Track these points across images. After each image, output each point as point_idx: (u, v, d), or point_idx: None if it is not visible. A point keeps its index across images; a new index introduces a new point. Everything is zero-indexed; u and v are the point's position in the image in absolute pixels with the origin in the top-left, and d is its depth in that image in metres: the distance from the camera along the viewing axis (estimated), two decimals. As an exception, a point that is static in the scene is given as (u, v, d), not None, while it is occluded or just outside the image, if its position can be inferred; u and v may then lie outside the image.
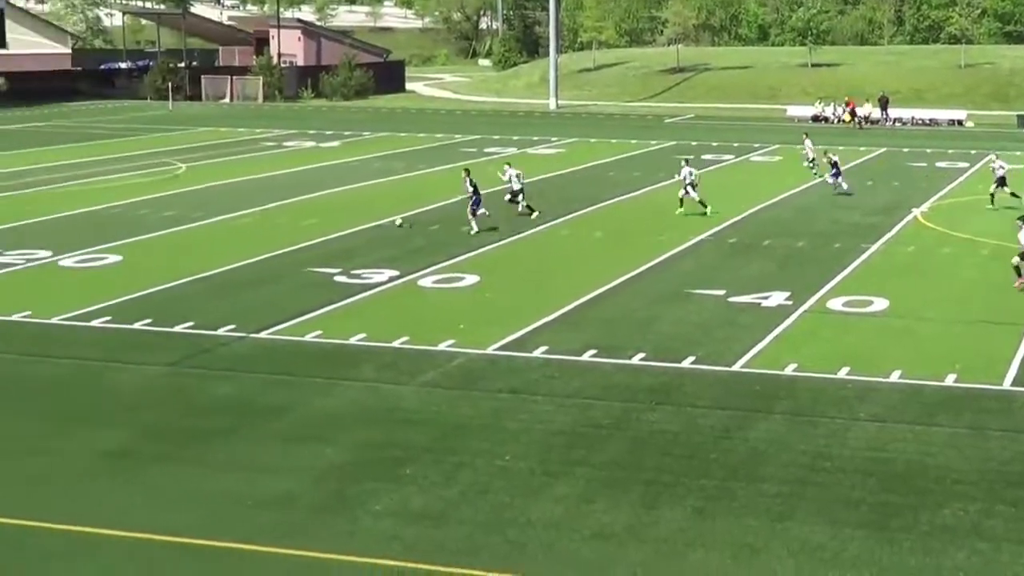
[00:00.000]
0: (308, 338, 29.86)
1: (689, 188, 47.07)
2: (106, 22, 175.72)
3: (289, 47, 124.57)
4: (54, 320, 31.62)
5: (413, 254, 39.74)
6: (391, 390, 25.91)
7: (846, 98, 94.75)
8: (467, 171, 45.14)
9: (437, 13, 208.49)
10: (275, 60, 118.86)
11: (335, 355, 28.54)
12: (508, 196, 47.06)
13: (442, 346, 29.05)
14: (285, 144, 75.66)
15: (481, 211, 43.76)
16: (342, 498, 20.18)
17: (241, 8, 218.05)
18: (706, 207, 46.93)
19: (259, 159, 67.57)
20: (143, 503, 20.02)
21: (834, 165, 52.96)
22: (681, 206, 47.37)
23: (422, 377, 26.78)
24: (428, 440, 22.90)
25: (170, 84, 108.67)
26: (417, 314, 32.50)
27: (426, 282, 36.03)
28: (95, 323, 31.32)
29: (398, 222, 44.82)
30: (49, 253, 39.91)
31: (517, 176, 46.91)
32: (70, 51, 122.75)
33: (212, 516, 19.49)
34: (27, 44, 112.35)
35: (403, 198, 50.46)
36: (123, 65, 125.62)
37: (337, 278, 36.24)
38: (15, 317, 31.87)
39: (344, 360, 28.10)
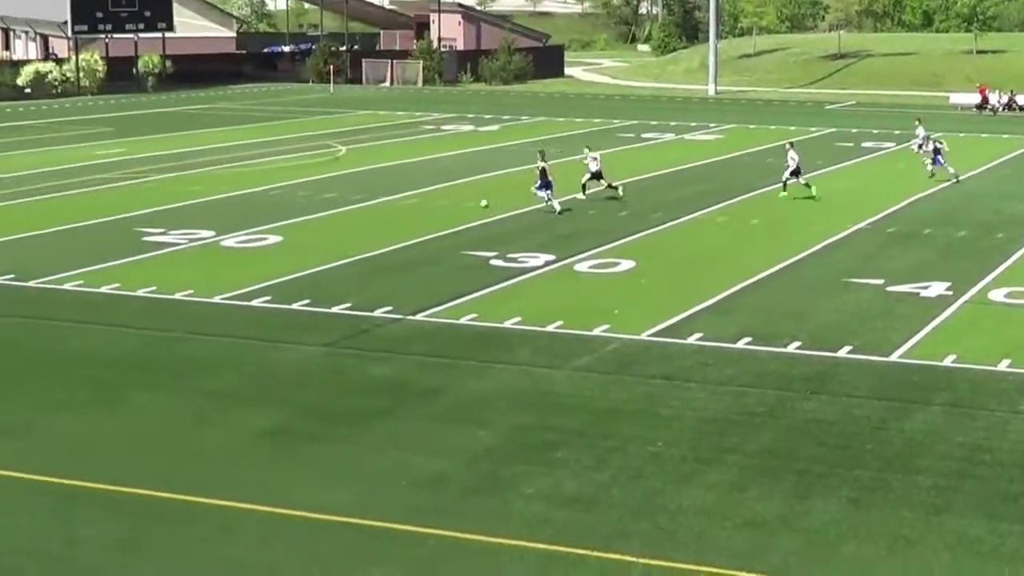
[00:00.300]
0: (463, 321, 30.06)
1: (788, 174, 47.42)
2: (270, 6, 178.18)
3: (449, 31, 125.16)
4: (215, 299, 32.19)
5: (569, 239, 39.79)
6: (545, 374, 26.00)
7: (977, 84, 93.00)
8: (542, 153, 45.44)
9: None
10: (435, 44, 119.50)
11: (490, 338, 28.70)
12: (587, 176, 46.96)
13: (596, 331, 29.07)
14: (444, 128, 76.10)
15: (543, 194, 43.96)
16: (494, 480, 20.31)
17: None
18: (784, 188, 47.60)
19: (418, 142, 68.06)
20: (300, 481, 20.33)
21: (936, 151, 52.32)
22: (784, 190, 47.60)
23: (576, 362, 26.83)
24: (581, 424, 22.95)
25: (332, 67, 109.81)
26: (572, 299, 32.55)
27: (582, 267, 36.06)
28: (255, 303, 31.82)
29: (484, 203, 44.96)
30: (212, 233, 40.61)
31: (595, 159, 47.09)
32: (235, 34, 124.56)
33: (367, 495, 19.73)
34: (193, 28, 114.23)
35: (560, 183, 50.46)
36: (286, 48, 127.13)
37: (493, 261, 36.42)
38: (178, 296, 32.49)
39: (499, 343, 28.25)
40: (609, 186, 47.23)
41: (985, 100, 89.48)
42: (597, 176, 46.98)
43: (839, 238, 40.17)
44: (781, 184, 47.84)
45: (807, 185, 47.48)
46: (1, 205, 46.29)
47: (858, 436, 22.33)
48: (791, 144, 49.23)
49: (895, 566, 17.38)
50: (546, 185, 43.88)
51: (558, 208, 43.84)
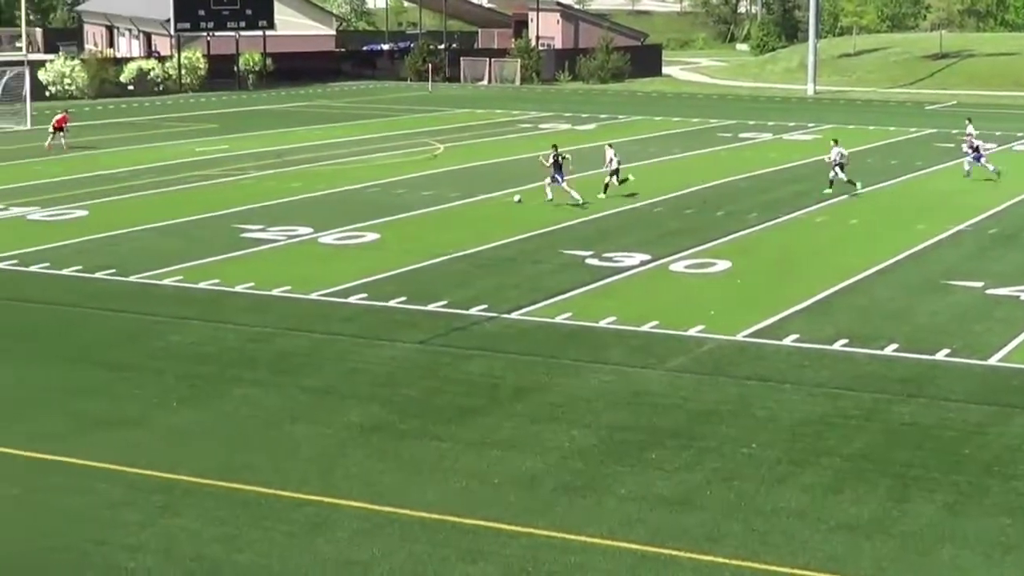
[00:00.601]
0: (558, 319, 30.10)
1: (837, 169, 48.22)
2: (370, 4, 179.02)
3: (547, 30, 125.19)
4: (312, 296, 32.45)
5: (665, 238, 39.72)
6: (639, 374, 25.98)
7: None
8: (555, 147, 46.52)
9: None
10: (533, 43, 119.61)
11: (584, 337, 28.72)
12: (608, 175, 47.48)
13: (691, 331, 29.00)
14: (541, 126, 76.14)
15: (564, 187, 45.16)
16: (588, 480, 20.33)
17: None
18: (855, 185, 48.59)
19: (515, 140, 68.17)
20: (395, 478, 20.46)
21: (975, 149, 52.63)
22: (830, 186, 48.30)
23: (671, 362, 26.79)
24: (675, 425, 22.93)
25: (430, 66, 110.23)
26: (667, 298, 32.51)
27: (677, 266, 35.99)
28: (352, 300, 32.04)
29: (517, 198, 46.21)
30: (310, 230, 40.94)
31: (615, 157, 47.59)
32: (334, 33, 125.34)
33: (461, 493, 19.82)
34: (294, 26, 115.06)
35: (658, 182, 50.48)
36: (385, 47, 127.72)
37: (589, 260, 36.43)
38: (275, 292, 32.79)
39: (593, 342, 28.27)
40: (620, 182, 47.58)
41: None
42: (615, 173, 47.53)
43: (939, 239, 39.80)
44: (853, 187, 48.50)
45: (850, 182, 48.45)
46: (104, 201, 46.94)
47: (956, 440, 22.13)
48: (835, 141, 50.29)
49: (992, 573, 17.21)
50: (561, 174, 45.33)
51: (550, 196, 45.50)
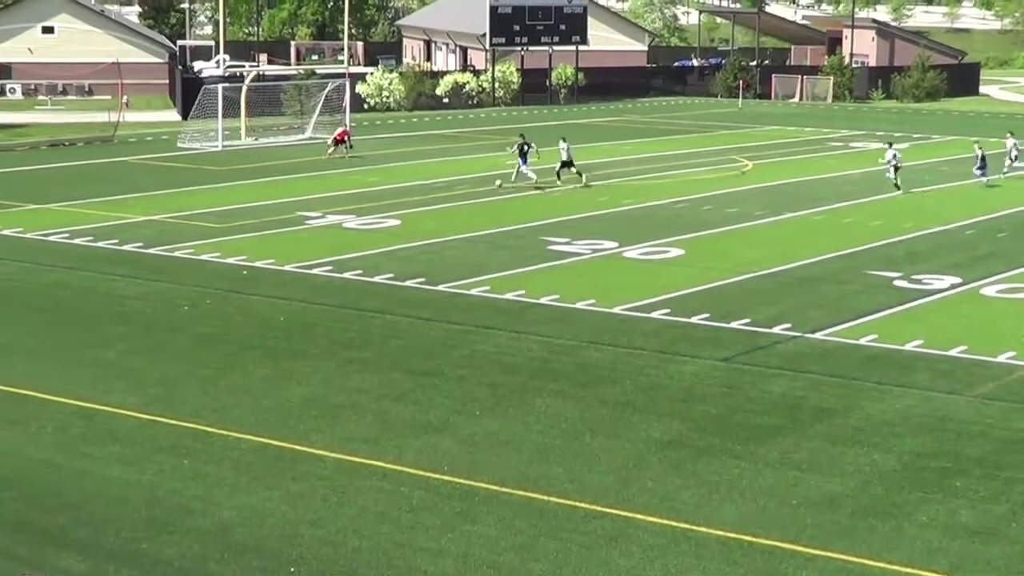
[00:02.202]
0: (863, 341, 29.68)
1: (892, 170, 52.85)
2: (682, 20, 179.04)
3: (862, 47, 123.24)
4: (615, 310, 32.66)
5: (978, 261, 38.80)
6: (945, 399, 25.45)
7: None
8: (522, 135, 55.65)
9: (1018, 14, 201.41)
10: (847, 60, 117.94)
11: (889, 360, 28.26)
12: (559, 165, 53.81)
13: (1002, 358, 28.28)
14: (852, 145, 75.06)
15: (524, 169, 53.16)
16: (887, 506, 20.03)
17: (816, 8, 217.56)
18: (899, 189, 52.44)
19: (825, 159, 67.30)
20: (690, 494, 20.50)
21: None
22: (897, 188, 52.50)
23: (979, 388, 26.18)
24: (981, 453, 22.40)
25: (741, 82, 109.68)
26: (978, 323, 31.77)
27: (989, 291, 35.11)
28: (654, 315, 32.16)
29: (498, 183, 53.08)
30: (615, 244, 41.19)
31: (566, 149, 54.16)
32: (646, 48, 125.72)
33: (758, 512, 19.75)
34: (606, 41, 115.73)
35: (971, 203, 49.30)
36: (695, 63, 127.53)
37: (897, 282, 35.82)
38: (579, 305, 33.10)
39: (898, 366, 27.80)
40: (577, 173, 54.24)
41: None
42: (568, 164, 53.90)
43: None
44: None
45: (896, 184, 52.49)
46: (417, 211, 47.93)
47: None
48: (890, 143, 55.17)
49: None
50: (524, 160, 53.29)
51: (514, 178, 53.28)
